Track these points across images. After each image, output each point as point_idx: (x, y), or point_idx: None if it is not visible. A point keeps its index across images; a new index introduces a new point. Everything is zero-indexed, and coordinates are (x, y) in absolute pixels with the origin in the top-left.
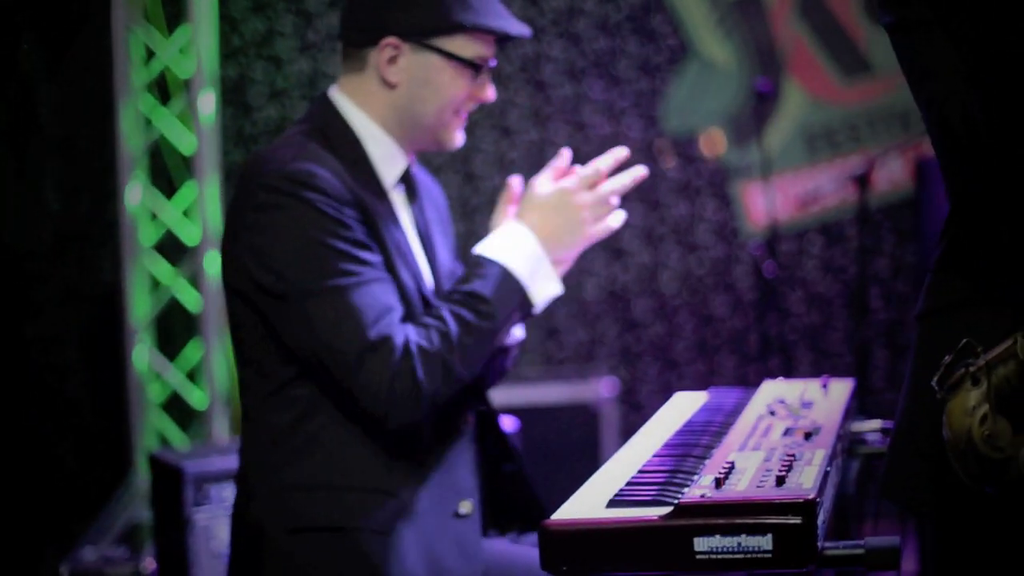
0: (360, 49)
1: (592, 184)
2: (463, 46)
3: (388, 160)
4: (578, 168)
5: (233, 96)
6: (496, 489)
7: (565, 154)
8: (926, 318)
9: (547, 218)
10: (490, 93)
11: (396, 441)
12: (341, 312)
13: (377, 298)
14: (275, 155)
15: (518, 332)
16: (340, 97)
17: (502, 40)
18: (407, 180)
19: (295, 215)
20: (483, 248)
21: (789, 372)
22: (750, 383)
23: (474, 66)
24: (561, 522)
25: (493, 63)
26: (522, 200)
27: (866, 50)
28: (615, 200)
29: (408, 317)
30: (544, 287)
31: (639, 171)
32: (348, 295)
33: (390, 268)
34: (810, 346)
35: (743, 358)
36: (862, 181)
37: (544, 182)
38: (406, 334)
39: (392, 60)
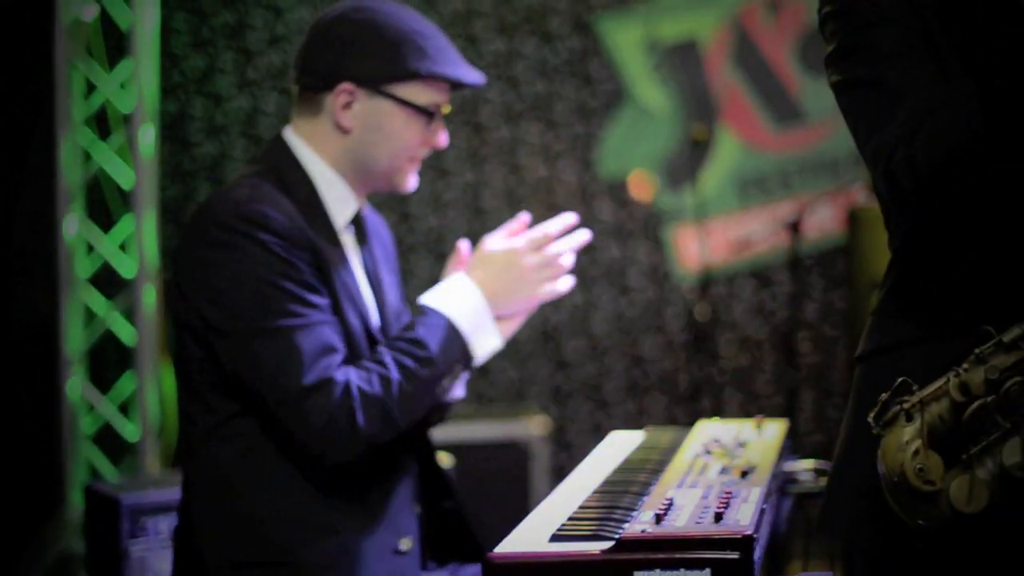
0: (316, 93)
1: (540, 246)
2: (417, 93)
3: (340, 202)
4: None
5: (172, 131)
6: (435, 525)
7: (522, 218)
8: (867, 359)
9: (494, 275)
10: (443, 139)
11: (338, 478)
12: (285, 352)
13: (321, 340)
14: (230, 195)
15: (458, 392)
16: (295, 139)
17: (455, 87)
18: (357, 222)
19: (247, 255)
20: (429, 299)
21: (718, 413)
22: (679, 423)
23: (427, 113)
24: (505, 555)
25: (447, 109)
26: (472, 255)
27: (799, 99)
28: (564, 263)
29: (353, 358)
30: (485, 341)
31: (584, 236)
32: (293, 336)
33: (337, 310)
34: (739, 388)
35: (673, 399)
36: (793, 227)
37: (495, 241)
38: (348, 376)
39: (347, 106)
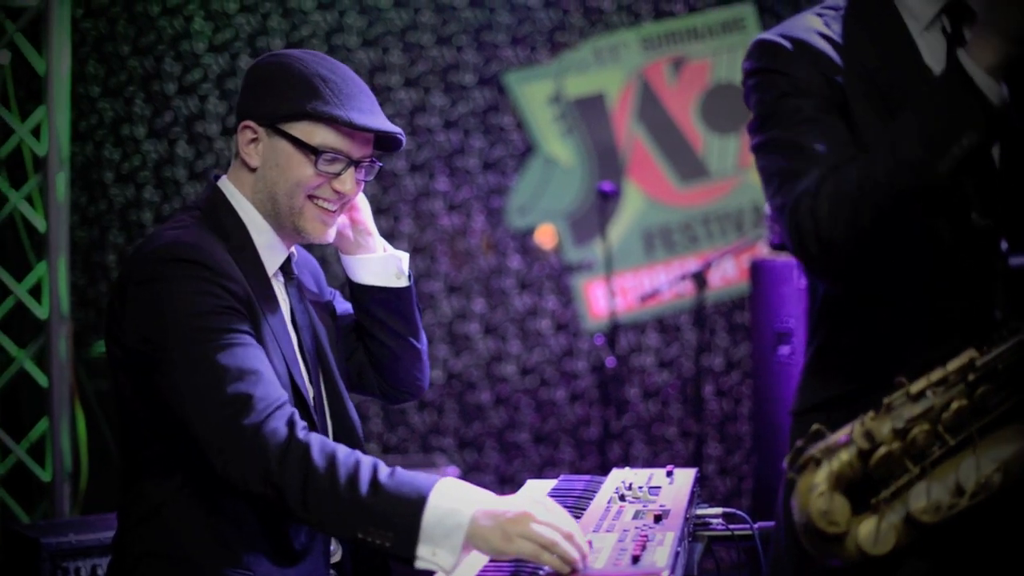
0: (234, 134)
1: (566, 535)
2: (309, 132)
3: (270, 250)
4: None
5: (84, 176)
6: (357, 570)
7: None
8: (799, 415)
9: (501, 520)
10: (346, 184)
11: (260, 525)
12: (206, 375)
13: (244, 361)
14: (164, 235)
15: None
16: (226, 183)
17: (384, 144)
18: (286, 270)
19: (173, 287)
20: (440, 488)
21: (625, 460)
22: (587, 471)
23: (314, 151)
24: None
25: (355, 157)
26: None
27: (703, 155)
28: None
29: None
30: (435, 554)
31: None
32: (214, 358)
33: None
34: (645, 437)
35: (582, 447)
36: (699, 280)
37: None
38: (292, 417)
39: (251, 143)
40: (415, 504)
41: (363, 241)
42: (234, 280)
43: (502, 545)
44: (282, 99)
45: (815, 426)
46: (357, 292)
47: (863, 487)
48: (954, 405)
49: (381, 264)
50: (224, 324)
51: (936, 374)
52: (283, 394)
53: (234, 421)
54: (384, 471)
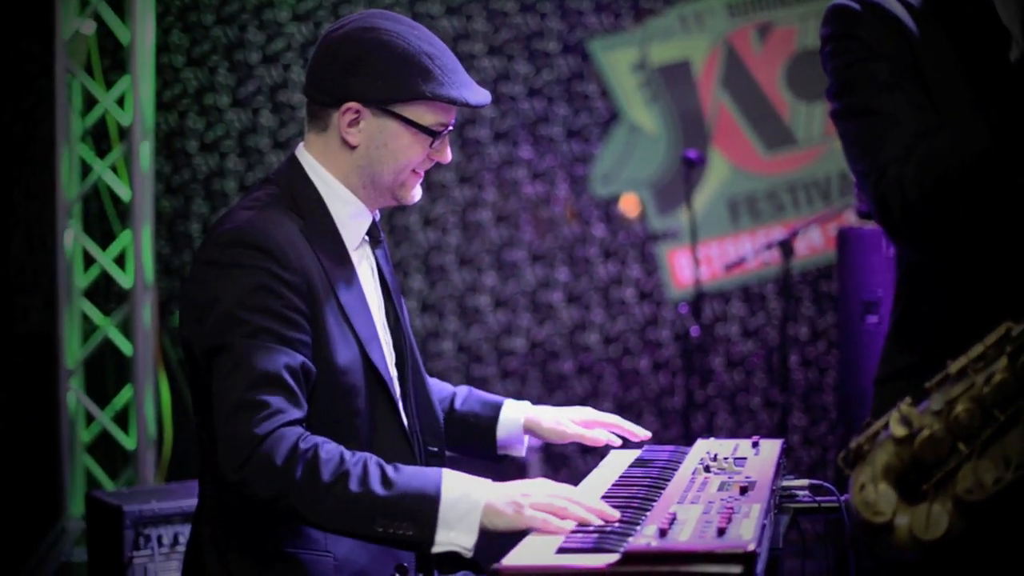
0: (323, 108)
1: (572, 501)
2: (422, 114)
3: (353, 218)
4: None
5: (168, 145)
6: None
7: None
8: (881, 384)
9: (513, 488)
10: (447, 155)
11: None
12: (237, 366)
13: (275, 366)
14: (237, 215)
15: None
16: (307, 156)
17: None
18: (372, 232)
19: (234, 273)
20: (448, 477)
21: (709, 431)
22: (670, 441)
23: (432, 133)
24: (512, 567)
25: (451, 126)
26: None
27: (790, 122)
28: (569, 514)
29: (345, 383)
30: (455, 537)
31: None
32: (250, 353)
33: (320, 340)
34: (729, 407)
35: (665, 417)
36: (785, 248)
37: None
38: (301, 430)
39: (353, 123)
40: (430, 491)
41: (553, 439)
42: (298, 272)
43: (515, 519)
44: (394, 82)
45: (867, 421)
46: (486, 429)
47: (914, 473)
48: (996, 379)
49: (519, 442)
50: (269, 325)
51: (975, 350)
52: (301, 411)
53: (247, 425)
54: (390, 468)
